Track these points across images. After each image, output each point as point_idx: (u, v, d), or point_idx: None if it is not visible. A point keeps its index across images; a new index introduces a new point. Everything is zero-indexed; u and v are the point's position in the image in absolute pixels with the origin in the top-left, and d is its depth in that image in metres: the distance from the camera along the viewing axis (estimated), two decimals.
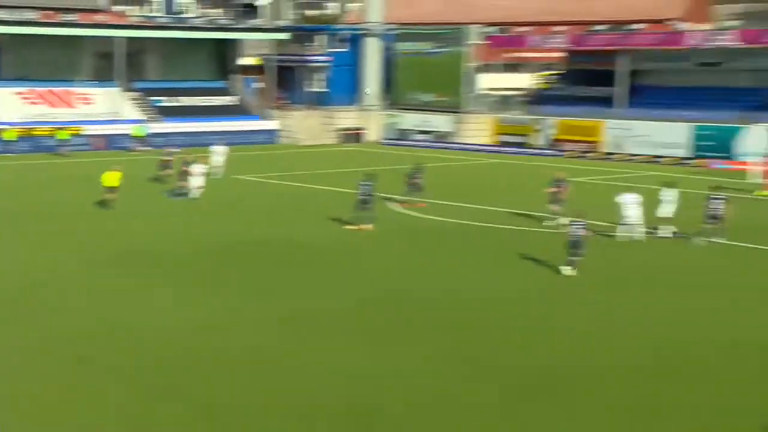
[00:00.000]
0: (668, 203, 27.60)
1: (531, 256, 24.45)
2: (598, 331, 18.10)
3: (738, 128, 47.32)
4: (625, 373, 15.56)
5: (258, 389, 14.43)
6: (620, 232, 26.67)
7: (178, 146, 43.72)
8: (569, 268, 22.35)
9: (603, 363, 16.09)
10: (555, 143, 55.30)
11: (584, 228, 22.65)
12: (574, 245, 22.37)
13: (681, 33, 55.83)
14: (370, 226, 27.85)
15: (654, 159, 49.45)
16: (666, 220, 27.36)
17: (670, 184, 28.13)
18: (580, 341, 17.38)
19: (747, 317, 19.25)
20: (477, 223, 29.72)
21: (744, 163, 43.18)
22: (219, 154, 41.69)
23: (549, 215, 29.40)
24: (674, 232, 27.08)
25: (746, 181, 40.51)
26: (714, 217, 26.35)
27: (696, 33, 55.07)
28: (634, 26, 59.34)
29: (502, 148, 55.95)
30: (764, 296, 21.05)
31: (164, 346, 16.51)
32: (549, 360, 16.20)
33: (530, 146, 55.75)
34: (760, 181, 38.50)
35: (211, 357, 15.94)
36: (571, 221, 23.23)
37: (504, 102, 62.08)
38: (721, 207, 26.39)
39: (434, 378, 15.12)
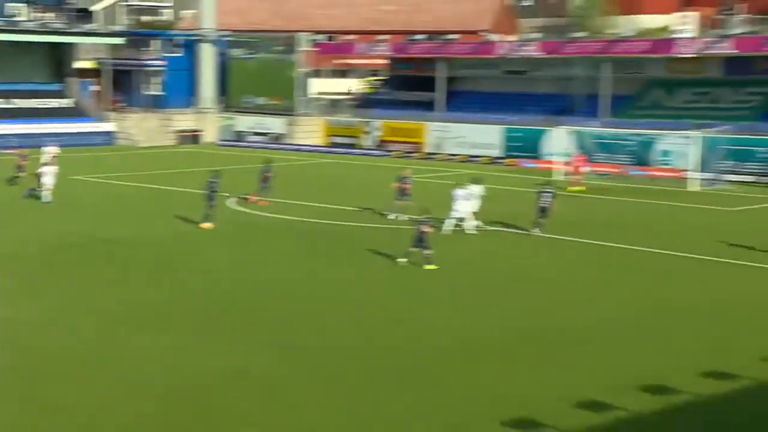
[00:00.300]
0: (475, 198, 28.49)
1: (372, 249, 24.92)
2: (423, 317, 18.73)
3: (543, 130, 49.66)
4: (445, 355, 16.28)
5: (93, 384, 14.23)
6: (446, 227, 27.50)
7: (17, 147, 41.73)
8: (411, 261, 22.71)
9: (423, 346, 16.64)
10: (382, 144, 56.35)
11: (430, 224, 23.09)
12: (420, 240, 22.78)
13: (491, 43, 58.06)
14: (210, 225, 27.57)
15: (471, 158, 51.23)
16: (472, 214, 28.14)
17: (476, 181, 29.16)
18: (403, 327, 17.91)
19: (559, 304, 20.38)
20: (318, 221, 29.99)
21: (550, 162, 45.47)
22: (50, 154, 39.88)
23: (392, 211, 29.92)
24: (477, 226, 27.91)
25: (553, 178, 42.64)
26: (543, 210, 27.68)
27: (504, 44, 57.43)
28: (451, 36, 61.12)
29: (333, 149, 56.51)
30: (578, 286, 22.32)
31: (2, 345, 15.90)
32: (379, 345, 16.64)
33: (360, 147, 56.59)
34: (571, 178, 40.27)
35: (50, 355, 15.56)
36: (418, 217, 23.60)
37: (334, 105, 62.73)
38: (549, 200, 27.78)
39: (261, 367, 15.21)
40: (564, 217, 28.81)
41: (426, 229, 22.75)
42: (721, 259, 24.60)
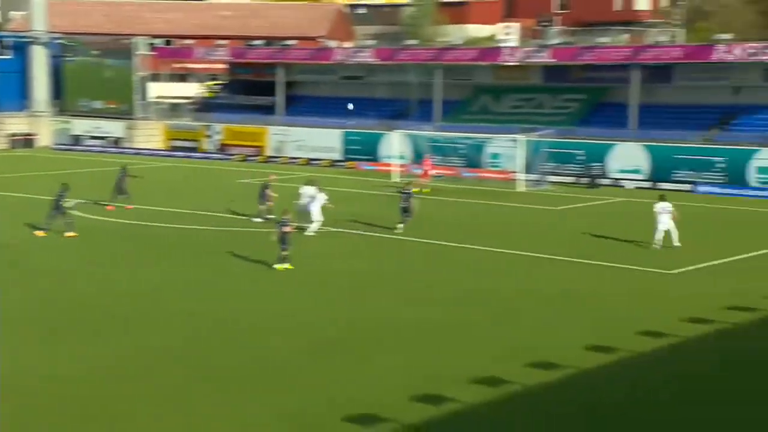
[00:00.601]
0: (310, 199, 28.78)
1: (225, 251, 24.64)
2: (263, 317, 18.86)
3: (380, 134, 50.46)
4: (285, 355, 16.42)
5: None
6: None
7: None
8: (284, 264, 22.75)
9: (263, 346, 16.76)
10: (223, 148, 55.62)
11: (290, 225, 23.06)
12: (283, 240, 22.73)
13: (329, 49, 58.34)
14: (44, 233, 26.58)
15: (311, 161, 51.41)
16: (307, 215, 28.48)
17: (310, 182, 29.49)
18: (244, 327, 18.01)
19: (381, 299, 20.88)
20: (165, 225, 29.31)
21: (388, 165, 46.31)
22: None
23: (260, 215, 29.91)
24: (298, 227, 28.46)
25: (393, 180, 43.46)
26: (405, 210, 28.51)
27: (341, 50, 57.90)
28: (288, 42, 60.99)
29: (174, 153, 55.26)
30: (412, 283, 22.88)
31: None
32: (218, 346, 16.70)
33: (201, 150, 55.64)
34: (420, 180, 40.84)
35: None
36: (279, 219, 23.57)
37: (174, 109, 61.32)
38: (409, 201, 28.71)
39: (98, 368, 15.02)
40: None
41: (287, 229, 22.78)
42: (549, 256, 25.86)
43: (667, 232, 26.33)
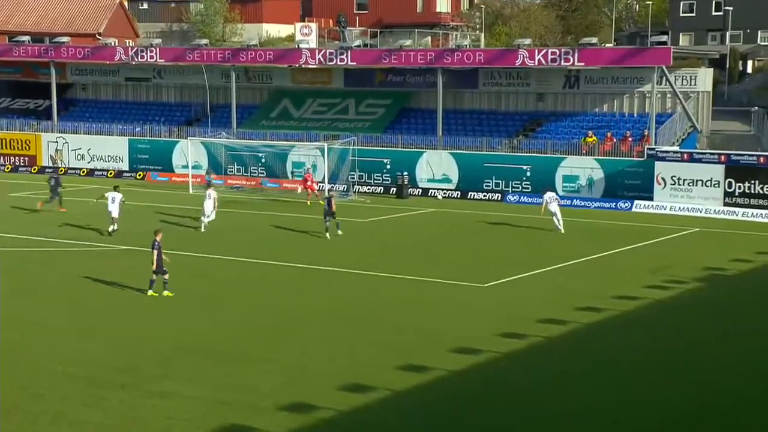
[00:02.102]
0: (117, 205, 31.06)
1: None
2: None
3: (172, 142, 49.50)
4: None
5: None
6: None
7: None
8: (163, 290, 22.62)
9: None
10: None
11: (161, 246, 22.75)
12: (158, 264, 22.48)
13: (110, 48, 56.34)
14: None
15: (94, 172, 49.73)
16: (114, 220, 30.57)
17: (116, 188, 31.63)
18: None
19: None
20: None
21: (185, 176, 45.53)
22: None
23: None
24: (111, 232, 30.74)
25: (191, 192, 42.81)
26: (331, 213, 30.89)
27: (123, 49, 56.14)
28: (62, 39, 58.51)
29: None
30: (211, 302, 23.00)
31: None
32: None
33: None
34: (309, 194, 40.55)
35: None
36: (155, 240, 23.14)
37: None
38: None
39: None
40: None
41: (158, 253, 22.43)
42: (357, 271, 26.46)
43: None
